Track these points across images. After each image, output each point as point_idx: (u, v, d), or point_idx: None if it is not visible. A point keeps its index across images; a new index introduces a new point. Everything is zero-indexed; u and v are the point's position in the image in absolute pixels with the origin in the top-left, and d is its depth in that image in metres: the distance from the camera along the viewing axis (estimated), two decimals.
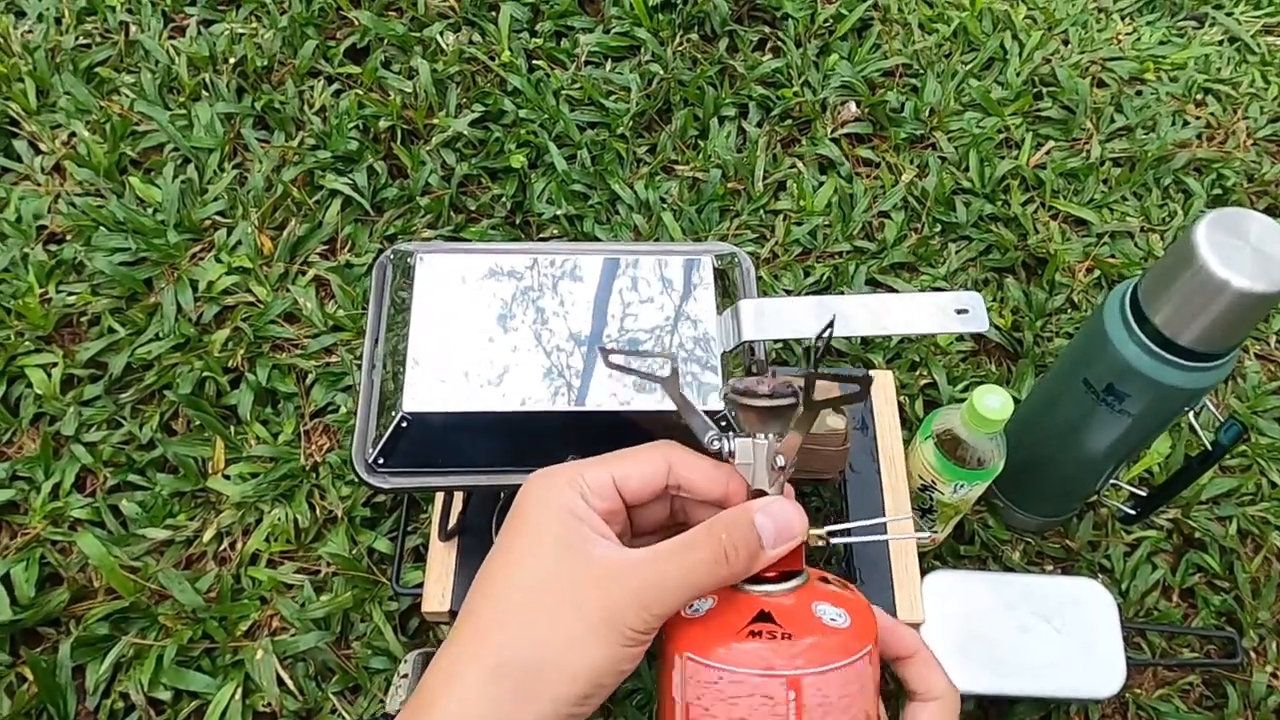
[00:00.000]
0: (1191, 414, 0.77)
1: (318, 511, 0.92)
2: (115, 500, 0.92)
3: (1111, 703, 0.87)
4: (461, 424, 0.63)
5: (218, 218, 1.09)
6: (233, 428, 0.97)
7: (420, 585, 0.78)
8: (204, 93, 1.18)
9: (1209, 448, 0.77)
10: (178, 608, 0.87)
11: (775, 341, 1.02)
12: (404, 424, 0.62)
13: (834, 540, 0.43)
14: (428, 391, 0.63)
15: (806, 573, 0.42)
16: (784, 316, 0.66)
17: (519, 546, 0.41)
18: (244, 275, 1.05)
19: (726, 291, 0.70)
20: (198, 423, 0.96)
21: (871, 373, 0.88)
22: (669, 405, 0.63)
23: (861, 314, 0.66)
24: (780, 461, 0.42)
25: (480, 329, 0.65)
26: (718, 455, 0.43)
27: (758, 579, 0.41)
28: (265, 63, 1.20)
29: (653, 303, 0.68)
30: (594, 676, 0.38)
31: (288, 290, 1.05)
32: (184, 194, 1.10)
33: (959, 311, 0.66)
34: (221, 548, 0.91)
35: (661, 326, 0.66)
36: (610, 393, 0.63)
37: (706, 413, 0.62)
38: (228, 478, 0.94)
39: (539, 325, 0.66)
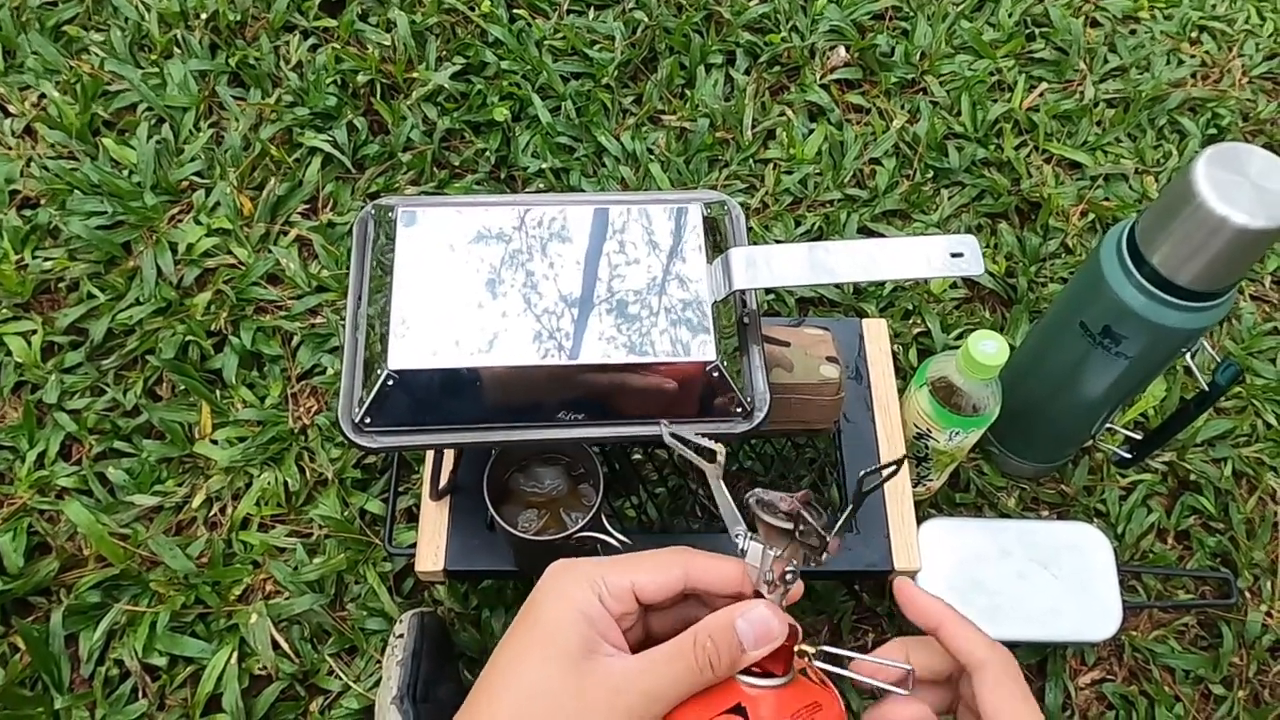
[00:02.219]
0: (1188, 355, 0.76)
1: (308, 474, 0.91)
2: (102, 468, 0.91)
3: (1108, 645, 0.87)
4: (449, 381, 0.62)
5: (195, 178, 1.07)
6: (218, 392, 0.95)
7: (414, 545, 0.78)
8: (176, 50, 1.15)
9: (1206, 389, 0.76)
10: (169, 574, 0.86)
11: (766, 292, 1.01)
12: (390, 382, 0.61)
13: (820, 661, 0.44)
14: (413, 348, 0.62)
15: (793, 674, 0.43)
16: (774, 265, 0.65)
17: (531, 651, 0.41)
18: (224, 237, 1.03)
19: (716, 242, 0.69)
20: (182, 387, 0.94)
21: (864, 322, 0.87)
22: (658, 359, 0.62)
23: (855, 260, 0.65)
24: (774, 575, 0.43)
25: (466, 285, 0.64)
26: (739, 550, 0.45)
27: (745, 670, 0.43)
28: (238, 17, 1.17)
29: (642, 255, 0.66)
30: None
31: (269, 251, 1.03)
32: (160, 155, 1.07)
33: (954, 255, 0.65)
34: (211, 513, 0.90)
35: (650, 278, 0.65)
36: (601, 349, 0.62)
37: (691, 363, 0.62)
38: (215, 442, 0.92)
39: (526, 280, 0.64)
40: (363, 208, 1.02)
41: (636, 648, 0.43)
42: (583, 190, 1.08)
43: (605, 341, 0.63)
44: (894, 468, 0.46)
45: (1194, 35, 1.29)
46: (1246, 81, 1.25)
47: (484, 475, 0.70)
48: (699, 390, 0.64)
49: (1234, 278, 0.69)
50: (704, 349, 0.63)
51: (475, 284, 0.64)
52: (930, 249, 0.65)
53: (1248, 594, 0.90)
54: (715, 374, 0.63)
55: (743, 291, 0.67)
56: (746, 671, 0.42)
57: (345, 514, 0.89)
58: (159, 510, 0.89)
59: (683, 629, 0.42)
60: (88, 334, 0.96)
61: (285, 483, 0.90)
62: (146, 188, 1.05)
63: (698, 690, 0.41)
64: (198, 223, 1.03)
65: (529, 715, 0.40)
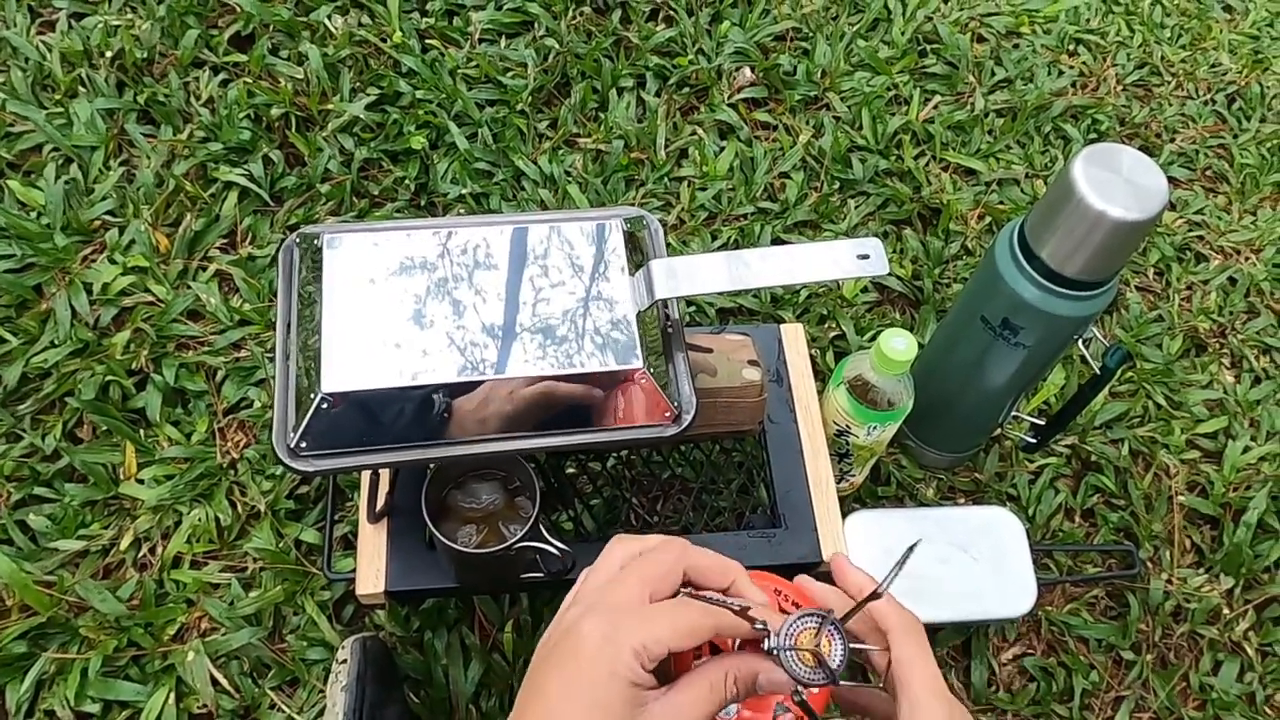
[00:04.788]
0: (1080, 342, 0.81)
1: (239, 508, 0.91)
2: (21, 515, 0.88)
3: (1026, 620, 0.92)
4: (382, 401, 0.63)
5: (108, 217, 1.05)
6: (142, 431, 0.94)
7: (353, 571, 0.78)
8: (81, 89, 1.13)
9: (1098, 372, 0.82)
10: (99, 618, 0.84)
11: (687, 303, 1.04)
12: (324, 405, 0.62)
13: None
14: (346, 370, 0.63)
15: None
16: (693, 274, 0.68)
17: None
18: (141, 275, 1.02)
19: (636, 257, 0.71)
20: (104, 428, 0.93)
21: (782, 327, 0.91)
22: (586, 369, 0.64)
23: (770, 266, 0.68)
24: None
25: (395, 306, 0.65)
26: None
27: None
28: (145, 55, 1.16)
29: (566, 271, 0.68)
30: None
31: (189, 287, 1.02)
32: (69, 195, 1.05)
33: (860, 257, 0.68)
34: (141, 554, 0.88)
35: (575, 292, 0.67)
36: (531, 363, 0.64)
37: (619, 372, 0.64)
38: (141, 482, 0.91)
39: (453, 299, 0.66)
40: (284, 238, 1.02)
41: None
42: (502, 213, 1.10)
43: (534, 355, 0.65)
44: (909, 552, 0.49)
45: (1071, 48, 1.38)
46: (1121, 89, 1.35)
47: (422, 494, 0.71)
48: (628, 398, 0.66)
49: (1115, 267, 0.75)
50: (631, 358, 0.66)
51: (404, 305, 0.65)
52: (839, 252, 0.69)
53: (1149, 564, 0.96)
54: (643, 381, 0.66)
55: (664, 301, 0.70)
56: None
57: (280, 545, 0.89)
58: (85, 554, 0.88)
59: None
60: (1, 380, 0.94)
61: (216, 518, 0.89)
62: (56, 229, 1.03)
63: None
64: (112, 262, 1.02)
65: None
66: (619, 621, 0.45)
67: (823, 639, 0.46)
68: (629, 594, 0.46)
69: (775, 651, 0.46)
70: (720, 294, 1.04)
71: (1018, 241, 0.77)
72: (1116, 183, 0.70)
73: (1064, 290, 0.75)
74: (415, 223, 0.71)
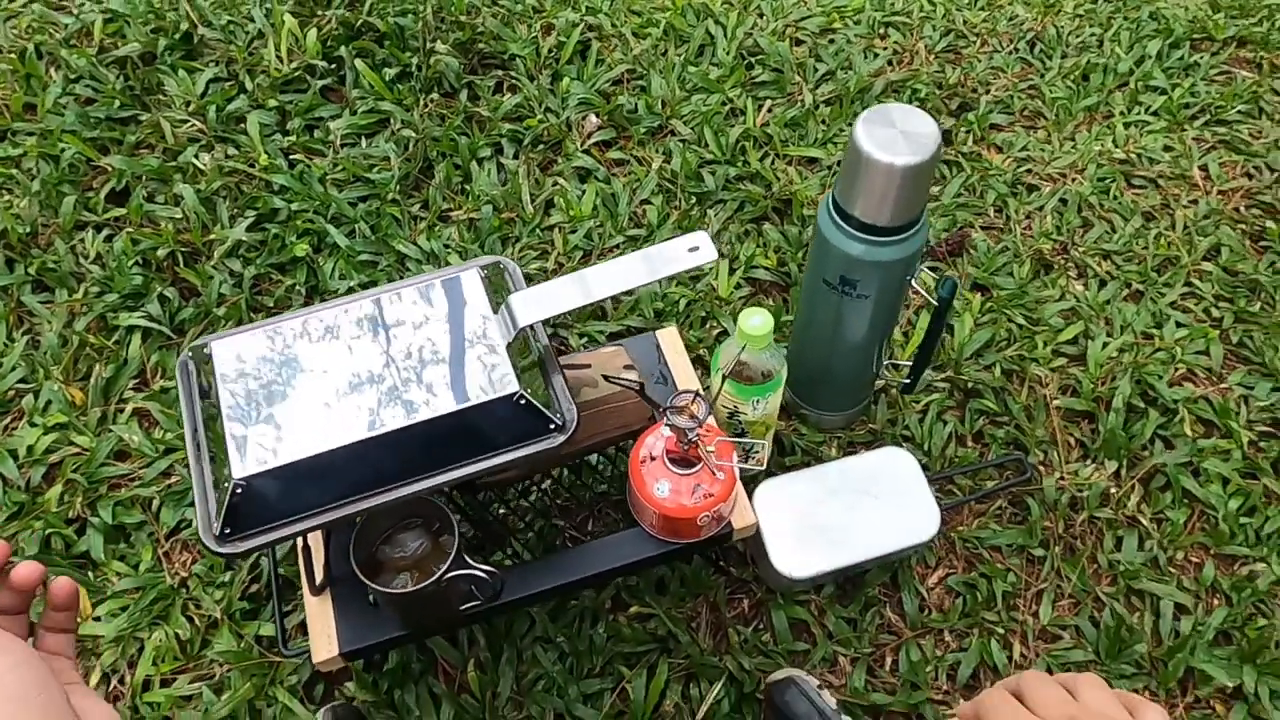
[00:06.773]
0: (914, 281, 0.90)
1: (197, 621, 0.95)
2: None
3: (942, 543, 1.00)
4: (290, 473, 0.69)
5: (20, 385, 1.10)
6: (90, 573, 0.98)
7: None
8: None
9: (935, 304, 0.91)
10: None
11: (579, 334, 1.11)
12: (238, 490, 0.68)
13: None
14: (252, 455, 0.69)
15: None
16: (547, 298, 0.75)
17: None
18: (63, 431, 1.07)
19: (501, 295, 0.79)
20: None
21: (656, 332, 0.99)
22: (472, 402, 0.71)
23: (615, 275, 0.76)
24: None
25: (286, 388, 0.72)
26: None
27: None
28: (28, 229, 1.22)
29: (438, 322, 0.76)
30: None
31: (110, 430, 1.07)
32: None
33: (691, 250, 0.77)
34: (111, 687, 0.92)
35: (449, 340, 0.74)
36: (422, 408, 0.71)
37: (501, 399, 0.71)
38: (98, 619, 0.95)
39: (338, 369, 0.73)
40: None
41: None
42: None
43: (424, 400, 0.71)
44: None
45: (881, 32, 1.51)
46: (933, 58, 1.47)
47: (349, 553, 0.76)
48: (513, 420, 0.73)
49: (918, 207, 0.84)
50: (507, 384, 0.73)
51: (294, 385, 0.72)
52: (673, 250, 0.77)
53: (1040, 467, 1.05)
54: (522, 402, 0.73)
55: (530, 329, 0.78)
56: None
57: (242, 645, 0.93)
58: None
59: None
60: None
61: (176, 635, 0.94)
62: None
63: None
64: (33, 425, 1.07)
65: None
66: None
67: (694, 404, 0.75)
68: None
69: (665, 409, 0.75)
70: (571, 311, 1.12)
71: (833, 207, 0.86)
72: (895, 135, 0.80)
73: (882, 239, 0.84)
74: (288, 315, 0.78)
